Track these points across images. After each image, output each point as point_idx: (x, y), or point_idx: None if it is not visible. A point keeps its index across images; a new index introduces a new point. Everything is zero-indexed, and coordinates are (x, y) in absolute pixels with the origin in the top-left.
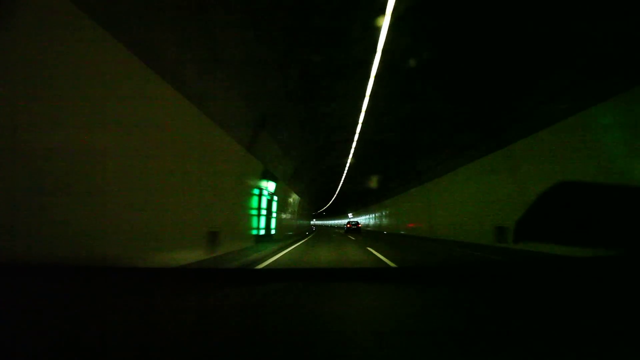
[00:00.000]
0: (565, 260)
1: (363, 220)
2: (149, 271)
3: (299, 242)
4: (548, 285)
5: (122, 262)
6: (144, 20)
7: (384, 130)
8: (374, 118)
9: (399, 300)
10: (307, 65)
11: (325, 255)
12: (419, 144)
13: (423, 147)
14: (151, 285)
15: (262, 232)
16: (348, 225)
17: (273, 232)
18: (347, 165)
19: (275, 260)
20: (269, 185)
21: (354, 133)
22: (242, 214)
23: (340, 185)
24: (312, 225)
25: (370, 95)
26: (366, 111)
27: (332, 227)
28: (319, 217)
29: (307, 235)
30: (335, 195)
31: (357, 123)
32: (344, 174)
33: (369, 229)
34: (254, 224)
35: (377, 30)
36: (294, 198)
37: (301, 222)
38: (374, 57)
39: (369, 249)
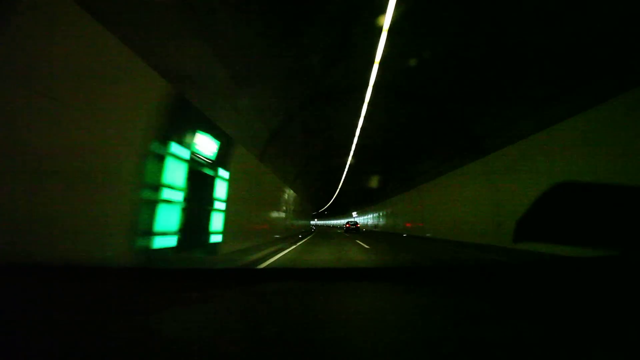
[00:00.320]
0: (564, 260)
1: (362, 220)
2: (147, 271)
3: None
4: (549, 285)
5: (113, 262)
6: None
7: (380, 138)
8: (372, 124)
9: (397, 300)
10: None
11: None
12: (411, 154)
13: (414, 158)
14: (151, 285)
15: (172, 239)
16: (347, 225)
17: (216, 238)
18: (347, 165)
19: None
20: (203, 144)
21: (354, 137)
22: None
23: (340, 185)
24: (312, 225)
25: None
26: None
27: (334, 227)
28: (320, 217)
29: (291, 244)
30: (335, 195)
31: (354, 136)
32: (344, 175)
33: (367, 228)
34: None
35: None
36: (288, 193)
37: (295, 221)
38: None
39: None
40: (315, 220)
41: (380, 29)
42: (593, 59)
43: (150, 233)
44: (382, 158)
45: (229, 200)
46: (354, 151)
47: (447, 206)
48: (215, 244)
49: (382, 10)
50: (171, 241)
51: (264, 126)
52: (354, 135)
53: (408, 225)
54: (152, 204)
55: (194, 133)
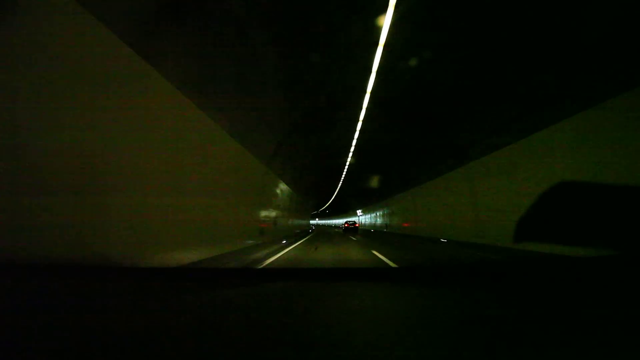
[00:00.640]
0: (563, 260)
1: (367, 219)
2: (148, 271)
3: None
4: (548, 285)
5: (122, 262)
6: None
7: (377, 142)
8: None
9: (396, 299)
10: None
11: None
12: (404, 161)
13: (406, 164)
14: (150, 285)
15: None
16: (346, 225)
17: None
18: (347, 165)
19: None
20: None
21: (350, 145)
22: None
23: (339, 185)
24: (312, 225)
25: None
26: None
27: (335, 226)
28: (321, 217)
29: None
30: (334, 195)
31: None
32: (342, 177)
33: (366, 228)
34: None
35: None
36: (281, 188)
37: (287, 221)
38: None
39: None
40: (317, 220)
41: (371, 69)
42: (546, 87)
43: None
44: (380, 160)
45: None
46: (352, 152)
47: (439, 207)
48: None
49: (373, 53)
50: None
51: (272, 137)
52: (350, 145)
53: (406, 225)
54: None
55: None
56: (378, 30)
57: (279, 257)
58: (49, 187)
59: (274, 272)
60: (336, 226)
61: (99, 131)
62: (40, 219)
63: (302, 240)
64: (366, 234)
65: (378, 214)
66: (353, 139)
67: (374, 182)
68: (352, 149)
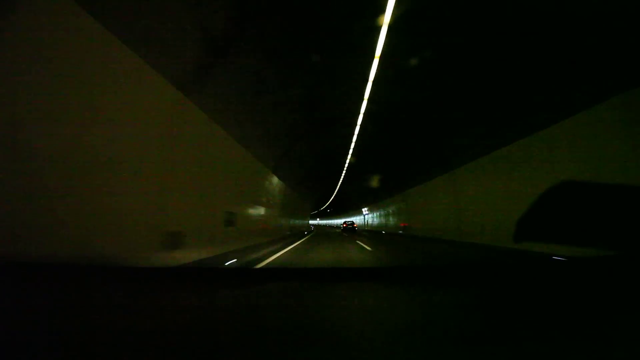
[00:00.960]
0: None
1: (368, 219)
2: (148, 271)
3: None
4: (547, 285)
5: (122, 262)
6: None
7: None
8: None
9: (395, 299)
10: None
11: None
12: (396, 167)
13: (399, 169)
14: (150, 285)
15: None
16: (344, 225)
17: None
18: (344, 171)
19: None
20: None
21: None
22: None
23: (340, 181)
24: (311, 225)
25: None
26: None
27: (337, 227)
28: (322, 216)
29: None
30: (334, 195)
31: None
32: (341, 180)
33: (366, 228)
34: None
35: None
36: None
37: (279, 221)
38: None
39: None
40: (318, 219)
41: (363, 97)
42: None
43: None
44: (378, 163)
45: None
46: (352, 152)
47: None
48: None
49: (366, 78)
50: None
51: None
52: (349, 147)
53: (403, 225)
54: None
55: None
56: (368, 67)
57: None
58: (49, 187)
59: (274, 272)
60: (338, 226)
61: (100, 131)
62: (40, 219)
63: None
64: (375, 238)
65: (391, 211)
66: (353, 135)
67: (381, 175)
68: (353, 146)
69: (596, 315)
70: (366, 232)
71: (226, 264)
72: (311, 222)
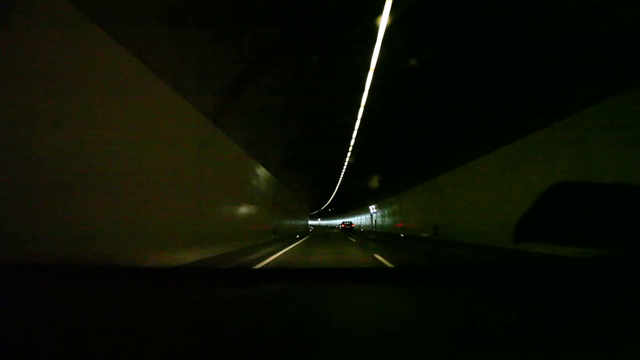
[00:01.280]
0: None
1: (376, 218)
2: (149, 271)
3: None
4: (546, 285)
5: (122, 262)
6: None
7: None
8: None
9: (394, 299)
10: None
11: None
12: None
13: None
14: (151, 285)
15: None
16: (343, 225)
17: None
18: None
19: None
20: None
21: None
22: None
23: (337, 187)
24: (310, 226)
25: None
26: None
27: (338, 227)
28: (324, 216)
29: None
30: (333, 195)
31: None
32: (339, 182)
33: (374, 229)
34: None
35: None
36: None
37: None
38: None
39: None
40: (318, 220)
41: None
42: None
43: None
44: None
45: None
46: (351, 152)
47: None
48: None
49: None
50: None
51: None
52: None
53: (399, 225)
54: None
55: None
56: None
57: None
58: (48, 187)
59: (274, 272)
60: (339, 227)
61: (101, 132)
62: (40, 218)
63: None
64: (391, 244)
65: (409, 207)
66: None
67: (398, 161)
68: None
69: (600, 316)
70: (375, 236)
71: None
72: (311, 222)
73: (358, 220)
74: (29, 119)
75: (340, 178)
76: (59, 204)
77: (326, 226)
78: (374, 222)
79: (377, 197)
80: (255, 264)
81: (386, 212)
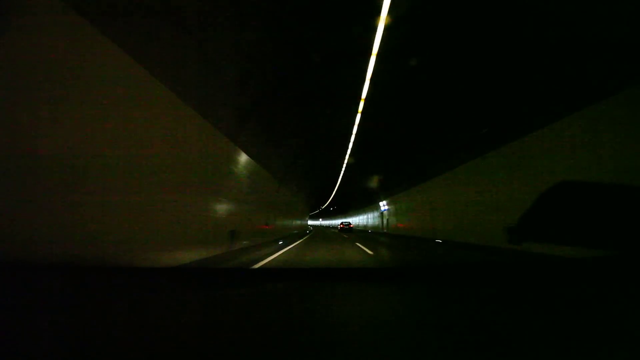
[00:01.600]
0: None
1: (387, 216)
2: (148, 271)
3: None
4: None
5: (122, 262)
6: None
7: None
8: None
9: (390, 298)
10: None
11: None
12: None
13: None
14: (150, 285)
15: None
16: (341, 226)
17: None
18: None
19: None
20: None
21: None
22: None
23: (336, 187)
24: (310, 226)
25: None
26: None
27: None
28: (325, 216)
29: None
30: (332, 195)
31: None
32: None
33: (384, 230)
34: None
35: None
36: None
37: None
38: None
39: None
40: (320, 220)
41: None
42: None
43: None
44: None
45: None
46: (350, 153)
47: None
48: None
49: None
50: None
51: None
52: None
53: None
54: None
55: None
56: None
57: None
58: (48, 187)
59: (273, 272)
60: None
61: (101, 132)
62: (40, 219)
63: None
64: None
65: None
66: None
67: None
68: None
69: (598, 316)
70: (386, 239)
71: None
72: (311, 222)
73: (364, 219)
74: (28, 119)
75: (341, 173)
76: (59, 204)
77: (328, 226)
78: (384, 222)
79: (390, 190)
80: None
81: (403, 207)
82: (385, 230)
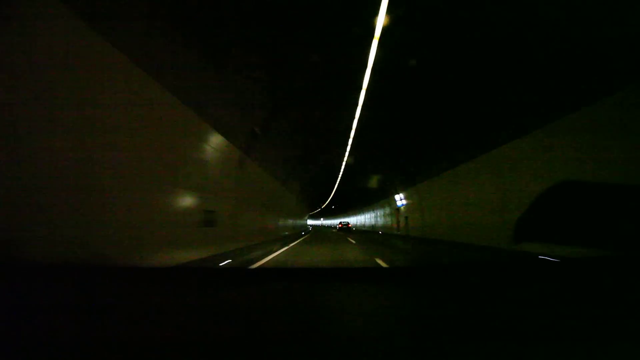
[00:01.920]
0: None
1: (368, 219)
2: (148, 271)
3: None
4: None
5: (121, 262)
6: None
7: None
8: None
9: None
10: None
11: None
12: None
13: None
14: (150, 284)
15: None
16: (340, 225)
17: None
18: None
19: None
20: None
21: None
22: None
23: (335, 187)
24: (309, 226)
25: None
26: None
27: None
28: (326, 215)
29: None
30: (332, 194)
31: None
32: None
33: (380, 230)
34: None
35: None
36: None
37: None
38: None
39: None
40: (322, 220)
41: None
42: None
43: None
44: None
45: None
46: (348, 154)
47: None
48: None
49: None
50: None
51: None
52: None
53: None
54: None
55: None
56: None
57: None
58: (48, 187)
59: (271, 272)
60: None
61: (101, 132)
62: (39, 219)
63: None
64: None
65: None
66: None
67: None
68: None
69: (597, 315)
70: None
71: None
72: (311, 222)
73: (371, 218)
74: (28, 119)
75: (331, 194)
76: (59, 204)
77: (329, 227)
78: (400, 221)
79: (410, 178)
80: None
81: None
82: (398, 232)
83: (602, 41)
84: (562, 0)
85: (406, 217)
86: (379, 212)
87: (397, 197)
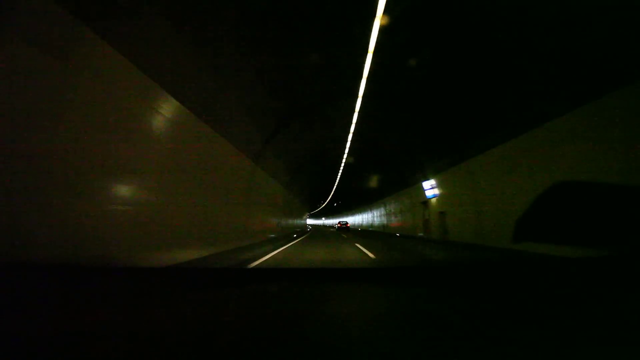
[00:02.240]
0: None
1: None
2: (147, 270)
3: None
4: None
5: (121, 262)
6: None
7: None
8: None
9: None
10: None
11: None
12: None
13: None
14: (150, 284)
15: None
16: (339, 225)
17: None
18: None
19: None
20: None
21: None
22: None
23: (335, 187)
24: (308, 226)
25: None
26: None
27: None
28: (327, 215)
29: None
30: (332, 194)
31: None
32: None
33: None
34: None
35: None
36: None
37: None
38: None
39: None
40: (323, 219)
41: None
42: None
43: None
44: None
45: None
46: (347, 156)
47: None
48: None
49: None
50: None
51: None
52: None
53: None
54: None
55: None
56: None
57: None
58: (48, 187)
59: (270, 272)
60: (354, 228)
61: (100, 133)
62: (39, 219)
63: None
64: None
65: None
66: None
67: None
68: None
69: (596, 315)
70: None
71: None
72: (311, 222)
73: (381, 217)
74: (28, 119)
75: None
76: (58, 204)
77: (331, 226)
78: (431, 218)
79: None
80: None
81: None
82: (422, 235)
83: None
84: None
85: (441, 213)
86: (392, 208)
87: (425, 184)
